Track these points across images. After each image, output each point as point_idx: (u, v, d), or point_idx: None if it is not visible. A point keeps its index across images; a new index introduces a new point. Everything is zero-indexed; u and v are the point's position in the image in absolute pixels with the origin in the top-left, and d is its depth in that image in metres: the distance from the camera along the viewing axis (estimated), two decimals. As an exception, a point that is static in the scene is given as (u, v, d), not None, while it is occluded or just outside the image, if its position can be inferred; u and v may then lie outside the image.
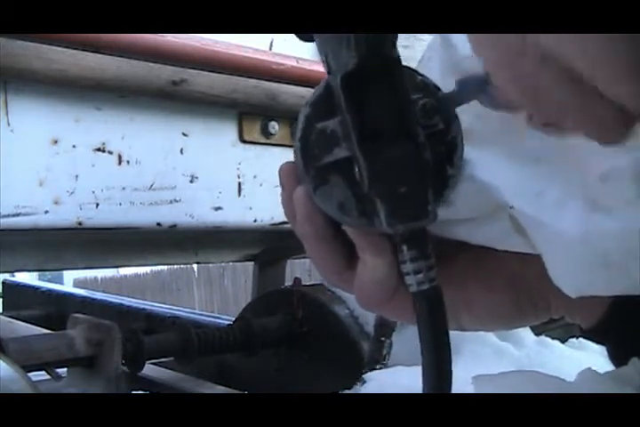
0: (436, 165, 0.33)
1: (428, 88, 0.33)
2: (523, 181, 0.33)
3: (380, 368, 0.88)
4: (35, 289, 1.64)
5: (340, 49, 0.31)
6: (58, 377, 0.81)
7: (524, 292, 0.40)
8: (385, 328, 0.92)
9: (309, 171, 0.33)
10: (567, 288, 0.34)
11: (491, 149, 0.35)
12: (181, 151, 0.88)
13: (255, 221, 0.95)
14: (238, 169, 0.94)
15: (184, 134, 0.88)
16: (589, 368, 0.42)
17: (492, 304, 0.40)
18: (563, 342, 1.07)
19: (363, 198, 0.33)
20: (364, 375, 0.83)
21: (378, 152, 0.31)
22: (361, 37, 0.30)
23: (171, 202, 0.86)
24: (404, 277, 0.34)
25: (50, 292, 1.59)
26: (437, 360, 0.33)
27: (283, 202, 0.38)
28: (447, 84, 0.33)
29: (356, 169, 0.32)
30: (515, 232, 0.36)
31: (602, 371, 0.43)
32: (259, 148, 0.96)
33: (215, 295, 6.97)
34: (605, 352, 0.45)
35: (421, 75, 0.33)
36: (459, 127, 0.33)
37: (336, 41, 0.31)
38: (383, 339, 0.91)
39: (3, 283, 1.77)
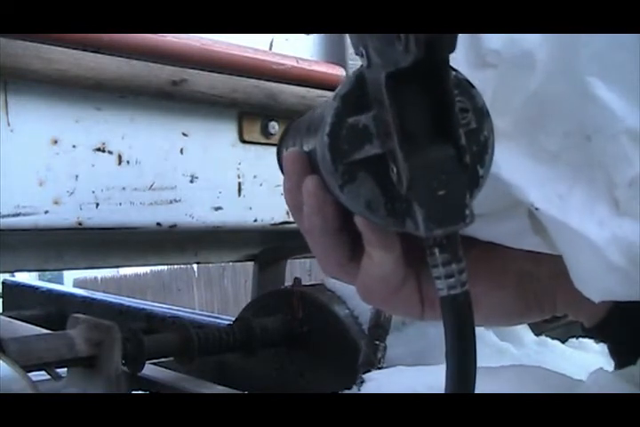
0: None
1: (462, 84, 0.32)
2: (545, 181, 0.33)
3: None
4: (35, 289, 1.63)
5: (389, 44, 0.29)
6: (58, 377, 0.81)
7: (532, 290, 0.40)
8: (379, 330, 0.91)
9: (337, 167, 0.32)
10: (590, 292, 0.34)
11: (510, 146, 0.34)
12: (181, 151, 0.88)
13: (255, 221, 0.95)
14: (238, 169, 0.94)
15: (184, 134, 0.88)
16: (601, 368, 0.42)
17: (499, 302, 0.40)
18: (563, 342, 1.07)
19: (392, 197, 0.32)
20: (363, 375, 0.83)
21: (418, 154, 0.30)
22: (421, 37, 0.27)
23: (171, 202, 0.86)
24: (435, 281, 0.32)
25: (50, 292, 1.59)
26: (463, 365, 0.32)
27: (286, 191, 0.37)
28: (473, 78, 0.32)
29: (394, 169, 0.31)
30: (533, 232, 0.36)
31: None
32: (259, 148, 0.96)
33: (215, 295, 6.96)
34: (606, 352, 0.45)
35: (455, 70, 0.32)
36: (491, 126, 0.32)
37: (385, 35, 0.29)
38: (377, 342, 0.91)
39: (3, 283, 1.77)
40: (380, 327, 0.92)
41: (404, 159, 0.30)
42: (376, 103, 0.31)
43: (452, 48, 0.28)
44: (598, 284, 0.33)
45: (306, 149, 0.37)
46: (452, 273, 0.32)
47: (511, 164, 0.34)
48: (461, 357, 0.32)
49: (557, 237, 0.34)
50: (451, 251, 0.32)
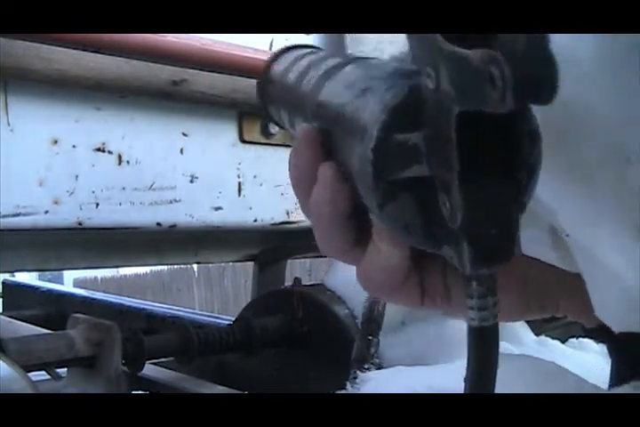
0: None
1: None
2: (579, 207, 0.31)
3: (369, 368, 0.87)
4: (35, 289, 1.63)
5: (473, 81, 0.25)
6: (58, 377, 0.81)
7: (535, 294, 0.40)
8: (372, 325, 0.91)
9: (379, 184, 0.30)
10: (611, 322, 0.33)
11: (545, 161, 0.32)
12: (181, 151, 0.88)
13: (255, 221, 0.95)
14: (238, 169, 0.94)
15: (184, 134, 0.88)
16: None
17: (502, 303, 0.40)
18: (563, 342, 1.07)
19: (432, 221, 0.30)
20: (363, 375, 0.82)
21: (477, 192, 0.28)
22: (520, 88, 0.23)
23: (171, 202, 0.86)
24: (468, 311, 0.31)
25: (50, 292, 1.59)
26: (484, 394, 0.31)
27: (292, 167, 0.35)
28: None
29: (446, 203, 0.29)
30: (552, 249, 0.35)
31: (600, 370, 0.43)
32: (259, 148, 0.96)
33: (215, 295, 6.97)
34: (605, 352, 0.46)
35: None
36: (540, 150, 0.29)
37: (471, 72, 0.25)
38: (371, 337, 0.90)
39: (3, 283, 1.77)
40: (372, 322, 0.91)
41: (462, 197, 0.28)
42: (432, 124, 0.29)
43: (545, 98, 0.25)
44: (620, 315, 0.32)
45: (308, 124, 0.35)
46: (485, 306, 0.31)
47: (547, 185, 0.31)
48: (483, 388, 0.31)
49: (581, 262, 0.33)
50: (489, 285, 0.31)
